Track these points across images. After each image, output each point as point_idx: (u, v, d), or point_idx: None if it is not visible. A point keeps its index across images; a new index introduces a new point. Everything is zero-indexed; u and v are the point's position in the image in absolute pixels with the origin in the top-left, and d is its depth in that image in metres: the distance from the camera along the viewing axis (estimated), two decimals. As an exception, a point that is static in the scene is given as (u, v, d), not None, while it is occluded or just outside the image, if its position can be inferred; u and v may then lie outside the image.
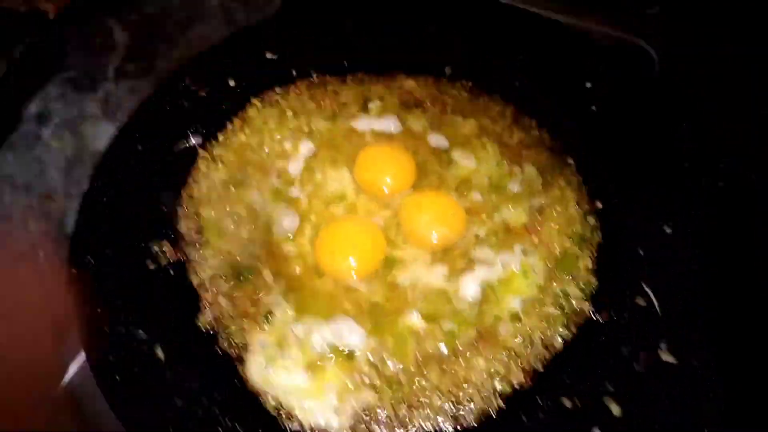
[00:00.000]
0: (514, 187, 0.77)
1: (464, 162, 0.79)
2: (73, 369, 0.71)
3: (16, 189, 0.91)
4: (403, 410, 0.63)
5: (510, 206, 0.75)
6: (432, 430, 0.62)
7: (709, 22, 0.91)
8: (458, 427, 0.62)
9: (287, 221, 0.73)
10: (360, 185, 0.77)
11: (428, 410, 0.63)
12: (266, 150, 0.80)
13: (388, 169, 0.77)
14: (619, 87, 0.86)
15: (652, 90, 0.87)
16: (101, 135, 0.94)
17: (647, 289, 0.69)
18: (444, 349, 0.66)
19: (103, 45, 1.06)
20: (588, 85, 0.86)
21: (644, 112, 0.83)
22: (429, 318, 0.67)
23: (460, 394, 0.63)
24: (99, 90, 1.02)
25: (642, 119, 0.82)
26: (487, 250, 0.72)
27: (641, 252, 0.72)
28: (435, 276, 0.71)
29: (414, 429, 0.62)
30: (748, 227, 0.74)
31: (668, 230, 0.73)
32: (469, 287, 0.70)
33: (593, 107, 0.84)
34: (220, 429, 0.61)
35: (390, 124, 0.81)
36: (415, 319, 0.67)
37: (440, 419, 0.62)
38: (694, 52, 0.93)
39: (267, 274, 0.70)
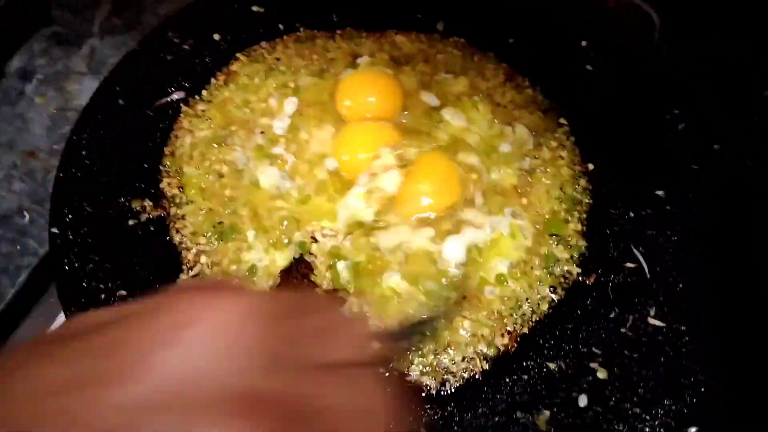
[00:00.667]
0: (505, 147, 0.75)
1: (455, 121, 0.76)
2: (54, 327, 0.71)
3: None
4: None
5: (500, 168, 0.73)
6: (423, 382, 0.61)
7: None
8: (442, 389, 0.61)
9: (270, 179, 0.71)
10: (342, 116, 0.75)
11: (411, 372, 0.62)
12: (251, 107, 0.77)
13: (371, 92, 0.75)
14: (615, 48, 0.83)
15: (651, 54, 0.85)
16: (86, 91, 0.92)
17: (637, 253, 0.68)
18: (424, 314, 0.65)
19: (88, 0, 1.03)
20: (583, 44, 0.84)
21: (641, 75, 0.81)
22: (412, 280, 0.66)
23: (444, 356, 0.62)
24: (84, 46, 0.99)
25: (638, 82, 0.80)
26: (476, 212, 0.70)
27: (632, 215, 0.71)
28: (420, 238, 0.69)
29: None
30: (741, 193, 0.72)
31: (661, 194, 0.72)
32: (455, 249, 0.68)
33: (588, 67, 0.82)
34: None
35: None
36: (397, 281, 0.66)
37: (424, 380, 0.61)
38: (698, 19, 0.91)
39: (249, 232, 0.68)
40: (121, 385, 0.25)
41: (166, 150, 0.75)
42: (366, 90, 0.76)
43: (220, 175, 0.72)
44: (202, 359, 0.26)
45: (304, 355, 0.29)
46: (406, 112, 0.77)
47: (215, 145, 0.74)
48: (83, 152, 0.73)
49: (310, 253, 0.68)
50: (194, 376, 0.25)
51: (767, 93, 0.84)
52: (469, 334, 0.63)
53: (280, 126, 0.75)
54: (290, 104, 0.76)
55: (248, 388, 0.26)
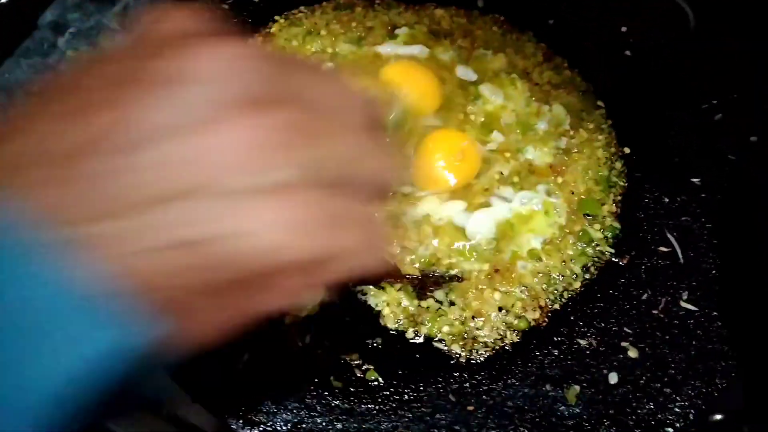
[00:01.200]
0: (542, 125, 0.74)
1: (492, 97, 0.76)
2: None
3: (29, 96, 0.89)
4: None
5: (536, 146, 0.73)
6: (450, 350, 0.60)
7: None
8: (471, 358, 0.60)
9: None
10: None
11: (441, 338, 0.61)
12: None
13: (410, 88, 0.74)
14: (654, 36, 0.83)
15: (687, 45, 0.84)
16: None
17: (671, 238, 0.68)
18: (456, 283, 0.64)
19: (123, -43, 1.03)
20: (624, 29, 0.83)
21: (679, 64, 0.80)
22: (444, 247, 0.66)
23: (474, 324, 0.62)
24: (117, 2, 0.98)
25: (676, 71, 0.79)
26: (509, 189, 0.70)
27: (666, 200, 0.70)
28: (450, 210, 0.68)
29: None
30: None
31: (696, 181, 0.71)
32: (485, 223, 0.68)
33: (627, 52, 0.82)
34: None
35: (417, 51, 0.78)
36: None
37: (454, 348, 0.61)
38: (736, 14, 0.90)
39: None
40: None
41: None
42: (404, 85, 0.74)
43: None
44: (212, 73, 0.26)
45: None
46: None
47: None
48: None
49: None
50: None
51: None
52: (500, 306, 0.63)
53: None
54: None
55: (257, 93, 0.27)
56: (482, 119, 0.75)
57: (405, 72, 0.75)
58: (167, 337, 0.24)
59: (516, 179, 0.71)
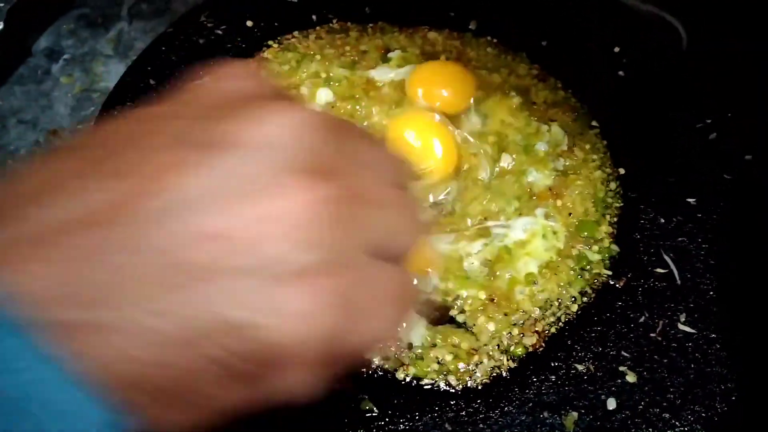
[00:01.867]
0: (541, 146, 0.74)
1: (493, 117, 0.76)
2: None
3: (22, 123, 0.89)
4: (410, 365, 0.61)
5: (537, 168, 0.73)
6: (440, 386, 0.60)
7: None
8: (467, 385, 0.60)
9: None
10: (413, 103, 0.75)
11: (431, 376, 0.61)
12: (282, 92, 0.77)
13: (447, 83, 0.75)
14: (648, 56, 0.83)
15: (681, 64, 0.84)
16: (112, 74, 0.91)
17: (667, 259, 0.67)
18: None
19: (117, -17, 1.03)
20: (617, 49, 0.83)
21: (672, 84, 0.80)
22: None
23: (471, 353, 0.61)
24: (112, 29, 0.99)
25: (670, 90, 0.80)
26: (510, 213, 0.70)
27: (662, 221, 0.70)
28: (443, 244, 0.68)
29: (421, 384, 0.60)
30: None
31: (692, 201, 0.71)
32: (483, 250, 0.67)
33: (620, 72, 0.82)
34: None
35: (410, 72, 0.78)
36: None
37: (449, 380, 0.60)
38: (724, 34, 0.91)
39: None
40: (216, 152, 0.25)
41: (195, 133, 0.74)
42: (440, 81, 0.76)
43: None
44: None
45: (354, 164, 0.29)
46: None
47: (244, 130, 0.73)
48: (111, 130, 0.72)
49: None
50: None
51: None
52: (497, 332, 0.62)
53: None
54: (324, 94, 0.76)
55: (316, 162, 0.26)
56: (493, 139, 0.74)
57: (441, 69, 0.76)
58: (161, 424, 0.23)
59: (517, 204, 0.70)
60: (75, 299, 0.21)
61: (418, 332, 0.62)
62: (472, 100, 0.76)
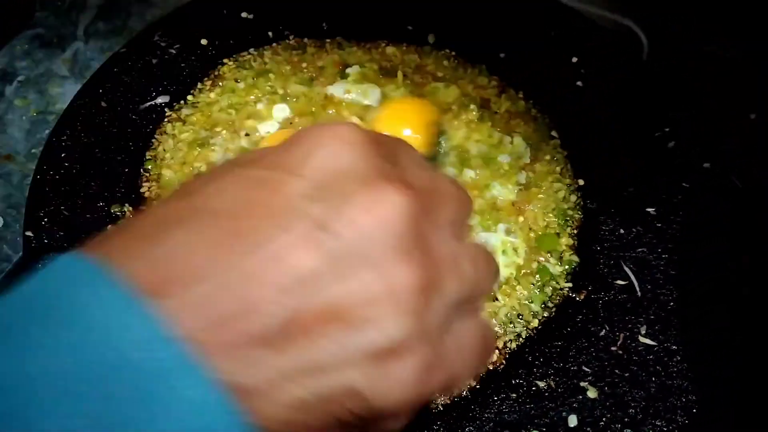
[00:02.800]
0: (504, 159, 0.73)
1: (454, 130, 0.75)
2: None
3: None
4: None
5: (500, 182, 0.72)
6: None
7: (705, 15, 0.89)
8: (426, 407, 0.59)
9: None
10: None
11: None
12: (237, 109, 0.76)
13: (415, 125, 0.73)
14: (606, 65, 0.83)
15: (640, 73, 0.84)
16: (68, 95, 0.89)
17: (627, 270, 0.67)
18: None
19: (73, 2, 1.01)
20: (574, 60, 0.83)
21: (630, 93, 0.80)
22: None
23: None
24: (67, 49, 0.97)
25: (628, 99, 0.80)
26: (472, 230, 0.69)
27: (622, 231, 0.70)
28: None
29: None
30: (730, 212, 0.71)
31: (651, 211, 0.71)
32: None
33: (579, 83, 0.82)
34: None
35: (368, 92, 0.78)
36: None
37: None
38: (684, 41, 0.91)
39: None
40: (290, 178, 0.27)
41: (148, 154, 0.73)
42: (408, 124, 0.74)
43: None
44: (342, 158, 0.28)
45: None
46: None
47: (198, 148, 0.72)
48: (62, 155, 0.70)
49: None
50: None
51: (753, 116, 0.84)
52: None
53: (267, 131, 0.73)
54: (280, 111, 0.75)
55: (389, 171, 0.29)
56: (455, 155, 0.74)
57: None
58: None
59: (479, 219, 0.70)
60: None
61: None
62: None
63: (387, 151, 0.30)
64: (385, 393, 0.26)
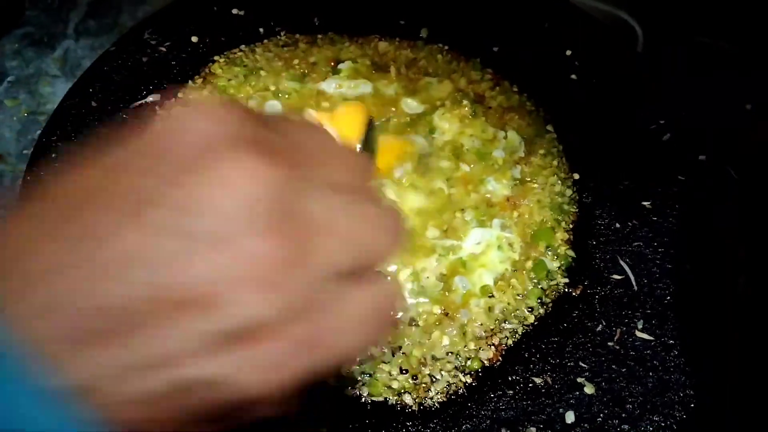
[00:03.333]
0: (499, 153, 0.73)
1: (447, 125, 0.75)
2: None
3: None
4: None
5: (495, 177, 0.72)
6: (396, 406, 0.58)
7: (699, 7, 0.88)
8: (423, 405, 0.58)
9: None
10: None
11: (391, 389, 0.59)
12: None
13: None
14: (599, 58, 0.82)
15: (635, 65, 0.84)
16: (59, 94, 0.88)
17: (623, 264, 0.66)
18: (405, 329, 0.62)
19: (63, 0, 1.00)
20: (568, 53, 0.83)
21: (625, 86, 0.80)
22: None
23: (424, 369, 0.60)
24: (58, 48, 0.96)
25: (623, 92, 0.79)
26: (467, 226, 0.68)
27: (618, 225, 0.69)
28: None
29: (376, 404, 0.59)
30: (726, 204, 0.71)
31: (647, 204, 0.70)
32: (438, 264, 0.66)
33: (573, 76, 0.81)
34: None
35: (361, 87, 0.77)
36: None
37: (405, 399, 0.59)
38: (683, 33, 0.91)
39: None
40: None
41: (140, 154, 0.72)
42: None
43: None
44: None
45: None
46: (387, 119, 0.75)
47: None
48: (53, 155, 0.70)
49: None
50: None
51: (749, 106, 0.84)
52: (452, 347, 0.61)
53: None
54: (272, 107, 0.74)
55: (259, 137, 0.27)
56: (449, 150, 0.73)
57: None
58: None
59: (474, 214, 0.69)
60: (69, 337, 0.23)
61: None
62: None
63: (255, 122, 0.28)
64: (246, 380, 0.25)
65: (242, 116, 0.28)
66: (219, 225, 0.25)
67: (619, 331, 0.62)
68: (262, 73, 0.78)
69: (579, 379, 0.59)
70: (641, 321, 0.62)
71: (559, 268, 0.67)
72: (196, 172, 0.25)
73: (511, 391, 0.59)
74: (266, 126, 0.28)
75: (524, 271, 0.66)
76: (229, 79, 0.78)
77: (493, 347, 0.62)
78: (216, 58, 0.80)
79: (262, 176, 0.25)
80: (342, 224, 0.28)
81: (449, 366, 0.60)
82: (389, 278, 0.31)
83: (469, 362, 0.60)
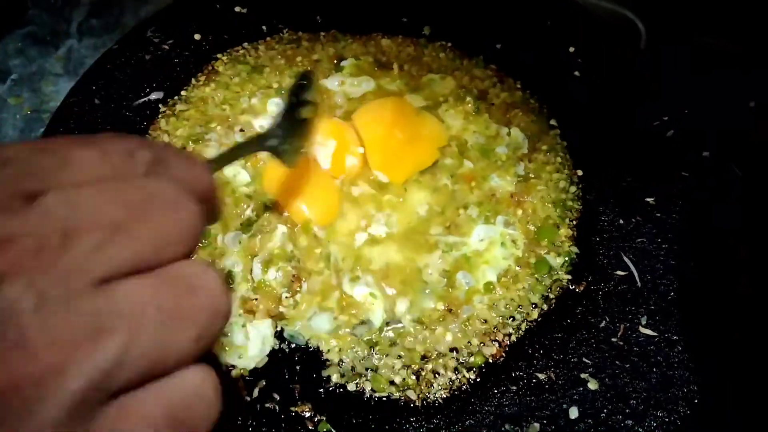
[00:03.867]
0: (502, 150, 0.73)
1: (452, 121, 0.75)
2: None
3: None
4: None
5: (499, 174, 0.71)
6: (400, 401, 0.58)
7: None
8: (427, 401, 0.58)
9: (239, 179, 0.69)
10: None
11: (394, 383, 0.59)
12: (231, 104, 0.75)
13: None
14: (603, 55, 0.82)
15: (636, 63, 0.84)
16: (62, 93, 0.88)
17: (627, 261, 0.66)
18: (409, 325, 0.62)
19: (66, -1, 1.01)
20: (571, 50, 0.83)
21: (629, 82, 0.80)
22: (399, 290, 0.64)
23: (428, 365, 0.60)
24: (61, 46, 0.96)
25: (626, 89, 0.79)
26: (471, 222, 0.68)
27: (621, 222, 0.69)
28: (402, 255, 0.67)
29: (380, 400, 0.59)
30: (730, 201, 0.71)
31: (650, 201, 0.70)
32: (441, 260, 0.66)
33: (576, 73, 0.81)
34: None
35: (363, 84, 0.77)
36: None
37: (408, 395, 0.58)
38: (686, 29, 0.91)
39: (219, 236, 0.66)
40: None
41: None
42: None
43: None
44: None
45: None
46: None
47: (192, 144, 0.71)
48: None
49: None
50: None
51: (752, 104, 0.84)
52: (455, 343, 0.61)
53: (261, 125, 0.73)
54: (275, 105, 0.74)
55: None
56: (454, 143, 0.73)
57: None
58: None
59: (478, 211, 0.69)
60: None
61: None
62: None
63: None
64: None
65: None
66: None
67: (622, 327, 0.62)
68: (266, 70, 0.78)
69: (583, 375, 0.59)
70: (645, 317, 0.62)
71: (562, 264, 0.66)
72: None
73: (514, 387, 0.59)
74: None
75: (528, 268, 0.66)
76: (232, 77, 0.78)
77: (496, 343, 0.61)
78: (219, 55, 0.80)
79: None
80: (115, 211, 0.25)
81: (452, 362, 0.60)
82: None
83: (472, 358, 0.60)
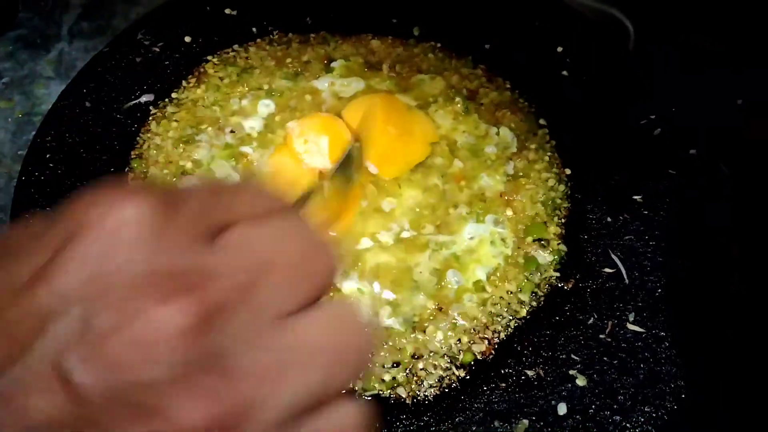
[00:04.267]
0: (491, 150, 0.73)
1: (441, 121, 0.75)
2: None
3: None
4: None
5: (488, 173, 0.72)
6: (390, 398, 0.59)
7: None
8: (417, 398, 0.59)
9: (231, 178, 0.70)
10: None
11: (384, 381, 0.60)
12: (221, 105, 0.76)
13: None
14: (592, 55, 0.83)
15: (624, 61, 0.84)
16: (53, 96, 0.89)
17: (615, 258, 0.67)
18: (397, 325, 0.63)
19: (57, 2, 1.01)
20: (559, 49, 0.83)
21: (616, 81, 0.80)
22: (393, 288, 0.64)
23: (418, 363, 0.60)
24: (52, 49, 0.97)
25: (614, 87, 0.80)
26: (461, 221, 0.69)
27: (609, 219, 0.70)
28: (394, 255, 0.67)
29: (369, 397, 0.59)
30: (717, 198, 0.72)
31: (638, 198, 0.71)
32: (431, 259, 0.66)
33: (564, 72, 0.82)
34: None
35: (353, 85, 0.77)
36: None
37: (399, 392, 0.59)
38: (673, 28, 0.91)
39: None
40: (44, 282, 0.22)
41: (134, 153, 0.73)
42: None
43: (183, 174, 0.70)
44: (116, 249, 0.22)
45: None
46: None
47: (183, 145, 0.72)
48: (47, 155, 0.70)
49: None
50: (115, 264, 0.22)
51: (740, 101, 0.85)
52: (445, 341, 0.62)
53: (251, 126, 0.73)
54: (265, 106, 0.75)
55: (172, 265, 0.23)
56: (444, 143, 0.74)
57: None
58: None
59: (468, 210, 0.69)
60: None
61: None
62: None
63: (177, 240, 0.23)
64: None
65: (155, 220, 0.23)
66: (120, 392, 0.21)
67: (610, 323, 0.62)
68: (256, 72, 0.79)
69: (571, 372, 0.60)
70: (632, 314, 0.63)
71: (551, 262, 0.67)
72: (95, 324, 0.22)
73: (503, 384, 0.59)
74: (194, 244, 0.24)
75: (517, 266, 0.66)
76: (222, 78, 0.78)
77: (486, 341, 0.62)
78: (209, 57, 0.81)
79: (174, 325, 0.21)
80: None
81: (442, 360, 0.60)
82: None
83: (462, 356, 0.61)
